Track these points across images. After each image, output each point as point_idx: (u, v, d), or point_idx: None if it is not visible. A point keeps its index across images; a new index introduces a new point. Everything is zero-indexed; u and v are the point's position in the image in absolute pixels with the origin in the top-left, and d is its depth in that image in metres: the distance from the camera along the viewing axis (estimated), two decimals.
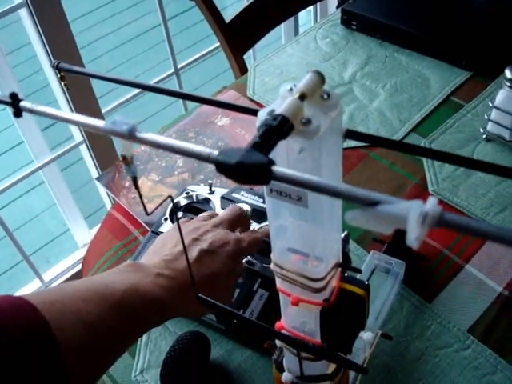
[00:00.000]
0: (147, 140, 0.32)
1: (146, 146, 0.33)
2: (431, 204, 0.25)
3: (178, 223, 0.45)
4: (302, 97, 0.34)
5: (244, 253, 0.67)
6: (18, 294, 0.50)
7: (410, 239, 0.25)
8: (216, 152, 0.29)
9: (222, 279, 0.63)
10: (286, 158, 0.37)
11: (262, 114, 0.33)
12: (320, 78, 0.35)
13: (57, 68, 0.52)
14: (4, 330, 0.45)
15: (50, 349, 0.46)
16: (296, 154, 0.36)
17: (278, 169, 0.27)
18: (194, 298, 0.60)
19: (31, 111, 0.37)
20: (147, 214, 0.44)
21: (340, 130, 0.37)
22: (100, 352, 0.52)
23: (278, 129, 0.30)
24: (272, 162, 0.27)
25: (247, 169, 0.27)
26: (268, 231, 0.44)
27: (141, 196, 0.40)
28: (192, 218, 0.82)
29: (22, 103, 0.37)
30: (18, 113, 0.37)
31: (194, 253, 0.62)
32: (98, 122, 0.34)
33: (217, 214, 0.74)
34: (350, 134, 0.38)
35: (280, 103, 0.33)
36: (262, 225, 0.77)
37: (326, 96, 0.35)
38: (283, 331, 0.50)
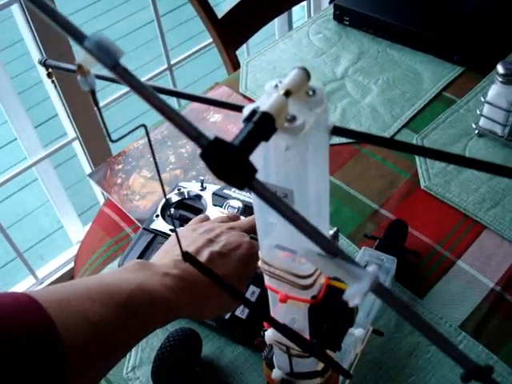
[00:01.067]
0: (128, 80, 0.29)
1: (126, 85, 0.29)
2: (375, 275, 0.28)
3: (173, 220, 0.44)
4: (287, 93, 0.34)
5: (256, 256, 0.66)
6: (12, 291, 0.50)
7: (351, 301, 0.28)
8: (210, 137, 0.28)
9: (233, 282, 0.62)
10: (273, 154, 0.37)
11: (247, 111, 0.33)
12: (305, 74, 0.35)
13: (44, 65, 0.52)
14: (8, 327, 0.45)
15: (53, 347, 0.46)
16: (282, 151, 0.36)
17: (257, 180, 0.27)
18: (201, 300, 0.59)
19: None
20: (110, 139, 0.39)
21: (326, 127, 0.36)
22: (104, 352, 0.52)
23: (261, 127, 0.30)
24: (254, 171, 0.27)
25: (227, 170, 0.27)
26: None
27: (102, 117, 0.37)
28: (184, 215, 0.82)
29: None
30: None
31: (205, 254, 0.61)
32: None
33: (238, 217, 0.74)
34: (336, 131, 0.37)
35: (265, 100, 0.33)
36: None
37: (311, 92, 0.35)
38: (272, 328, 0.50)
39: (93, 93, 0.35)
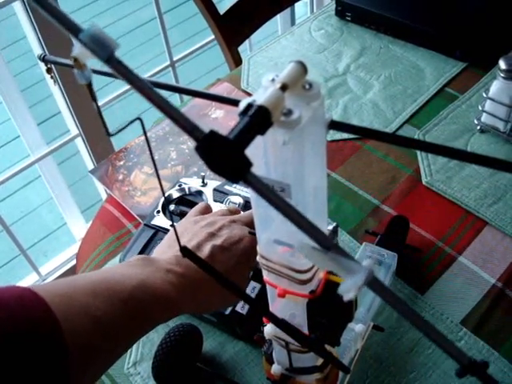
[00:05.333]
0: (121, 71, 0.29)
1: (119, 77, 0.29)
2: (370, 269, 0.28)
3: (172, 216, 0.44)
4: (284, 87, 0.33)
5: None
6: (16, 285, 0.50)
7: (346, 295, 0.28)
8: (205, 131, 0.28)
9: (235, 276, 0.62)
10: (270, 149, 0.37)
11: (243, 105, 0.33)
12: (302, 67, 0.35)
13: (43, 60, 0.52)
14: (10, 320, 0.45)
15: (55, 341, 0.46)
16: (279, 146, 0.36)
17: (253, 173, 0.27)
18: (203, 296, 0.59)
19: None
20: (108, 133, 0.39)
21: (323, 121, 0.36)
22: (106, 347, 0.52)
23: (256, 120, 0.30)
24: (249, 165, 0.27)
25: (222, 164, 0.27)
26: None
27: (99, 110, 0.36)
28: (184, 211, 0.82)
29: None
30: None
31: (207, 249, 0.61)
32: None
33: (239, 211, 0.73)
34: (334, 125, 0.37)
35: (261, 93, 0.33)
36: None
37: (307, 86, 0.35)
38: (271, 324, 0.50)
39: (89, 86, 0.35)
